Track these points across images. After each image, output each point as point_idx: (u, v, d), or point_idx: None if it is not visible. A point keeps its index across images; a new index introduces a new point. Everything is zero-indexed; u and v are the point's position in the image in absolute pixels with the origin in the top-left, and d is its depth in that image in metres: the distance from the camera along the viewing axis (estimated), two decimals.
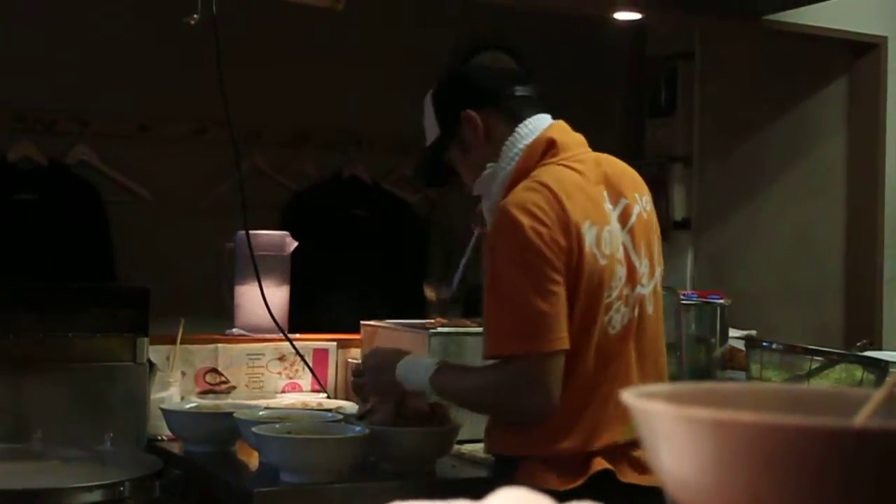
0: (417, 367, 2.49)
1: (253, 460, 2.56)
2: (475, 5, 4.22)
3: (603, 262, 2.42)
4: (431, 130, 2.63)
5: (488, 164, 2.51)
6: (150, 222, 4.48)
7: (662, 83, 5.06)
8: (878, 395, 0.98)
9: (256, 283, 3.17)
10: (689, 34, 4.87)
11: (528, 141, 2.52)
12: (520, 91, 2.61)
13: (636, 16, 4.10)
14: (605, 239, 2.44)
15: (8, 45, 4.32)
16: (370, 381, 2.68)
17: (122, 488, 1.95)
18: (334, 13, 3.30)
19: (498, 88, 2.59)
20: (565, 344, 2.32)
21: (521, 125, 2.53)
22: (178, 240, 4.29)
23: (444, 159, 2.63)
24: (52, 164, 4.43)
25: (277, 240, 3.43)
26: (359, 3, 3.32)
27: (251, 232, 3.19)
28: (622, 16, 4.11)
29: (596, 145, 3.16)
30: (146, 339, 2.96)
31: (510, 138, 2.50)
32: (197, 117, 4.41)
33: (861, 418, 0.96)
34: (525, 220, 2.31)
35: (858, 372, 2.77)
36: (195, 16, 2.66)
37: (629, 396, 0.93)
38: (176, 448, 2.82)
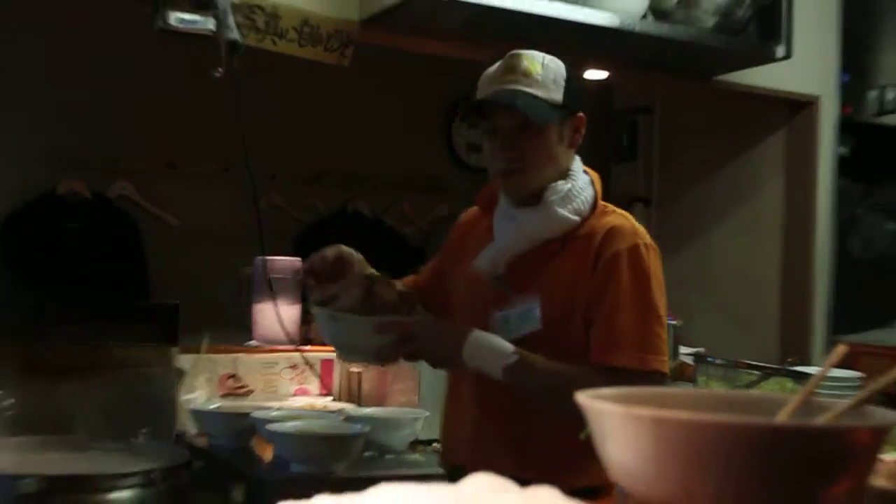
0: (490, 351, 2.05)
1: (267, 454, 2.57)
2: (468, 62, 4.23)
3: None
4: (554, 91, 2.15)
5: (569, 177, 2.22)
6: (180, 248, 4.51)
7: (626, 133, 5.10)
8: (797, 399, 1.02)
9: (272, 302, 3.21)
10: (649, 91, 4.91)
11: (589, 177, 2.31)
12: None
13: (604, 74, 4.13)
14: None
15: (57, 95, 4.35)
16: (425, 345, 2.11)
17: (153, 475, 1.97)
18: (341, 68, 3.35)
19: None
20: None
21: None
22: (204, 264, 4.30)
23: (543, 122, 2.13)
24: (95, 197, 4.45)
25: (290, 265, 3.45)
26: (363, 60, 3.36)
27: (267, 258, 3.24)
28: (591, 75, 4.13)
29: None
30: (176, 349, 2.98)
31: (579, 164, 2.28)
32: (222, 158, 4.43)
33: (780, 418, 1.00)
34: (658, 253, 2.19)
35: (789, 384, 2.81)
36: (220, 69, 2.67)
37: (582, 398, 0.97)
38: (201, 442, 2.81)
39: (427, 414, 2.88)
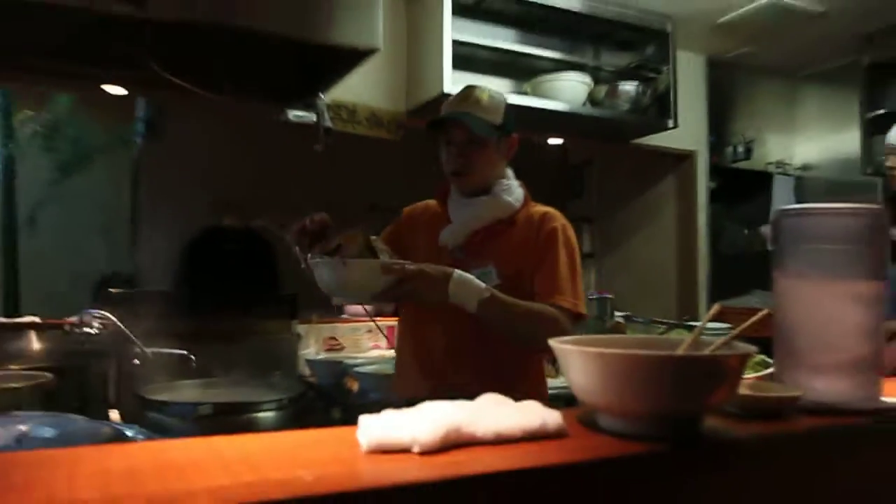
0: (470, 287, 1.69)
1: (354, 387, 2.57)
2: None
3: None
4: (495, 115, 1.94)
5: (507, 178, 2.00)
6: (297, 259, 4.50)
7: (576, 178, 5.09)
8: (689, 340, 1.02)
9: None
10: (590, 151, 4.90)
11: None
12: None
13: (560, 141, 4.13)
14: None
15: (222, 165, 4.39)
16: (420, 284, 1.65)
17: (284, 401, 1.97)
18: (395, 141, 3.37)
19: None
20: None
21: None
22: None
23: (485, 136, 1.91)
24: (245, 228, 4.47)
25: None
26: (409, 136, 3.38)
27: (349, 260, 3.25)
28: (553, 141, 4.14)
29: None
30: (296, 322, 3.01)
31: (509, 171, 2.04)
32: (324, 198, 4.44)
33: (679, 351, 0.99)
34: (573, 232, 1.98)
35: (685, 332, 2.78)
36: (319, 145, 2.70)
37: (553, 343, 0.96)
38: (312, 380, 2.84)
39: None
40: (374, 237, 1.74)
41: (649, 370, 0.87)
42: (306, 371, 2.95)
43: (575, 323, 1.84)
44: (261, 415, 1.92)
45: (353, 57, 2.37)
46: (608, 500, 0.84)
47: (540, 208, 1.99)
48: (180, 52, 2.40)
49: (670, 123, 3.69)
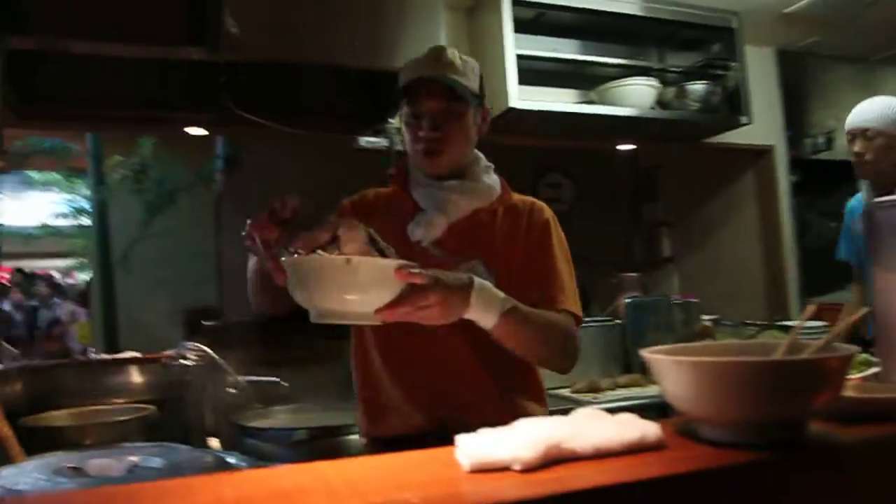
0: (492, 296, 1.34)
1: None
2: (540, 148, 4.22)
3: None
4: (472, 80, 1.62)
5: (482, 160, 1.70)
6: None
7: (648, 182, 5.01)
8: (786, 343, 0.99)
9: None
10: (662, 153, 4.82)
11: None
12: None
13: (632, 146, 4.08)
14: None
15: (296, 189, 4.47)
16: (439, 299, 1.23)
17: None
18: None
19: None
20: None
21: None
22: None
23: (466, 102, 1.59)
24: None
25: None
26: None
27: None
28: (624, 147, 4.10)
29: (614, 219, 3.09)
30: None
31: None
32: None
33: (776, 355, 0.97)
34: None
35: (777, 333, 2.70)
36: (392, 169, 2.67)
37: (645, 353, 0.95)
38: None
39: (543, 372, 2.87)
40: (371, 230, 1.33)
41: (747, 377, 0.85)
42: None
43: (578, 328, 1.61)
44: (353, 437, 1.93)
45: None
46: None
47: (521, 197, 1.71)
48: (253, 89, 2.50)
49: (744, 120, 3.60)
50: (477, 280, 1.33)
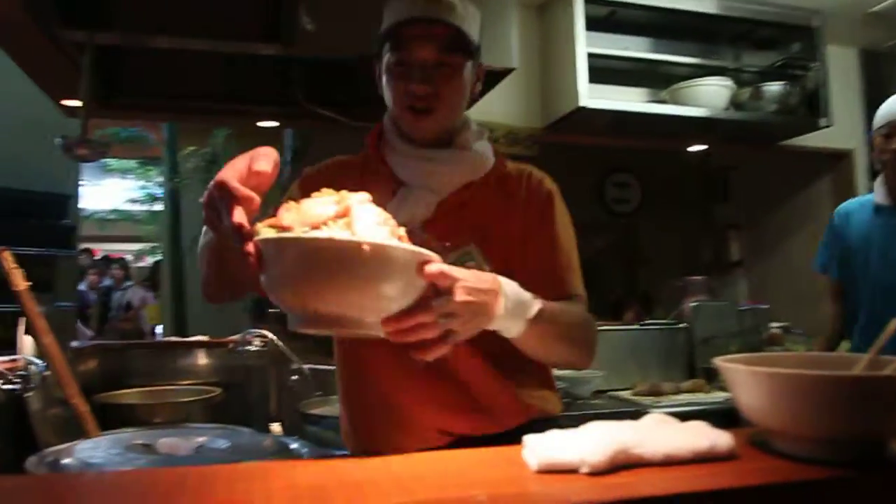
0: (519, 298, 1.08)
1: None
2: (612, 147, 4.18)
3: None
4: (473, 28, 1.32)
5: (470, 122, 1.40)
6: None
7: (720, 183, 4.91)
8: (866, 358, 0.96)
9: None
10: (735, 154, 4.71)
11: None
12: None
13: (704, 147, 4.00)
14: None
15: None
16: (469, 303, 0.97)
17: None
18: (533, 156, 3.37)
19: None
20: None
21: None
22: None
23: (462, 59, 1.31)
24: None
25: None
26: (546, 149, 3.37)
27: None
28: (695, 148, 4.02)
29: (681, 220, 3.00)
30: None
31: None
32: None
33: (857, 369, 0.94)
34: None
35: (849, 345, 2.61)
36: None
37: (719, 360, 0.93)
38: None
39: (604, 373, 2.85)
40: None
41: (826, 392, 0.82)
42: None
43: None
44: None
45: (489, 77, 2.40)
46: None
47: (516, 165, 1.45)
48: (323, 83, 2.54)
49: (823, 122, 3.49)
50: (502, 279, 1.07)
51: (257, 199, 0.90)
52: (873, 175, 2.77)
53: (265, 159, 0.92)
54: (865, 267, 2.43)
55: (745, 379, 0.88)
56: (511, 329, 1.09)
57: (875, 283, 2.39)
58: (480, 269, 1.21)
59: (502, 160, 1.43)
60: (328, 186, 1.20)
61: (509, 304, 1.06)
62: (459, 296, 0.95)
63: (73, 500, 0.73)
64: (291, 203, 0.90)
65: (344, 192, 0.92)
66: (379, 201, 1.20)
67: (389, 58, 1.32)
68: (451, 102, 1.34)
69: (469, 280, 0.99)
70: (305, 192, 1.17)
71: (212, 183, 0.92)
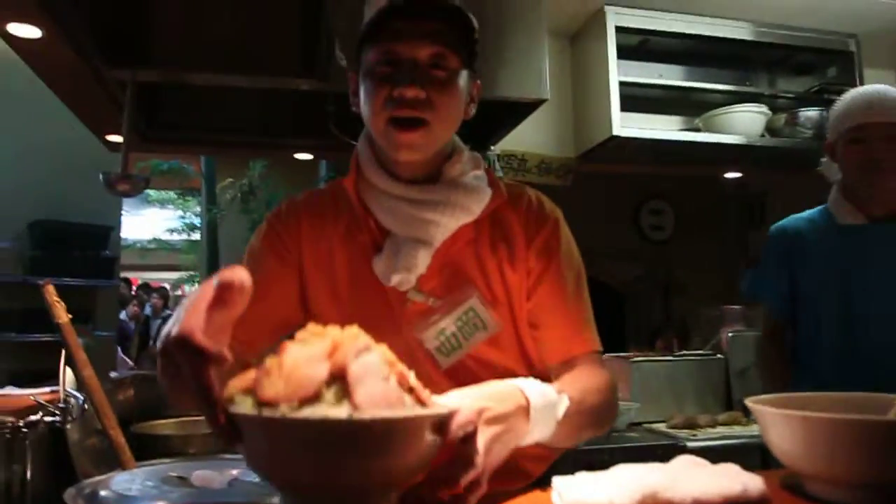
0: (547, 403, 0.93)
1: None
2: (645, 174, 4.16)
3: None
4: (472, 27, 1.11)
5: (463, 148, 1.22)
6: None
7: (757, 209, 4.85)
8: None
9: None
10: (772, 180, 4.66)
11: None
12: None
13: (739, 175, 3.96)
14: None
15: None
16: (499, 440, 0.84)
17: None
18: (566, 186, 3.37)
19: None
20: None
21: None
22: None
23: (459, 65, 1.12)
24: None
25: None
26: (580, 180, 3.37)
27: None
28: (730, 175, 3.98)
29: (717, 248, 2.89)
30: None
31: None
32: None
33: (891, 415, 0.92)
34: None
35: None
36: None
37: (749, 402, 0.92)
38: None
39: (638, 404, 2.82)
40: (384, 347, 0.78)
41: (862, 437, 0.81)
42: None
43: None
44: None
45: (521, 109, 2.42)
46: None
47: (511, 188, 1.25)
48: (357, 117, 2.59)
49: None
50: (524, 384, 0.92)
51: (229, 358, 0.69)
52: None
53: (232, 291, 0.70)
54: (833, 296, 1.99)
55: (776, 421, 0.87)
56: (538, 435, 0.93)
57: (853, 312, 1.95)
58: (484, 325, 1.16)
59: (499, 190, 1.22)
60: (308, 236, 1.18)
61: (537, 415, 0.91)
62: (485, 433, 0.82)
63: None
64: (272, 364, 0.72)
65: (335, 335, 0.74)
66: (360, 252, 1.16)
67: (370, 57, 1.11)
68: (446, 115, 1.11)
69: (491, 407, 0.84)
70: (272, 247, 1.17)
71: (169, 332, 0.70)
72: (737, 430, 2.79)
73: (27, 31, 1.93)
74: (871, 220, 2.01)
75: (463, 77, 1.14)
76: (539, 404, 0.91)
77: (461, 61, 1.13)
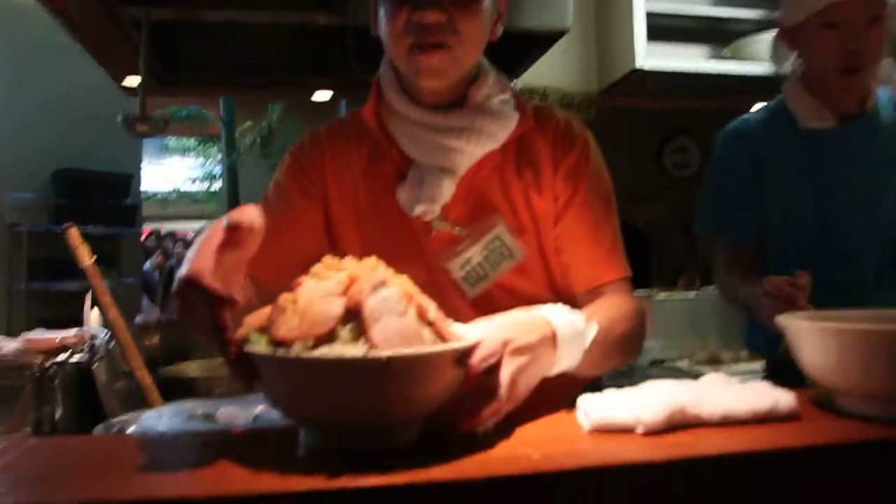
0: (574, 331, 0.91)
1: None
2: (670, 109, 4.07)
3: None
4: None
5: (489, 69, 1.17)
6: None
7: None
8: None
9: None
10: None
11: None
12: None
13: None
14: None
15: None
16: (528, 376, 0.83)
17: None
18: (588, 120, 3.31)
19: None
20: None
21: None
22: None
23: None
24: None
25: None
26: (602, 113, 3.30)
27: None
28: (758, 106, 3.86)
29: None
30: None
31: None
32: None
33: None
34: None
35: None
36: None
37: (782, 318, 0.89)
38: None
39: (661, 342, 2.81)
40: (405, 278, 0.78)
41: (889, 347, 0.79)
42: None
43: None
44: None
45: (543, 40, 2.37)
46: (851, 487, 0.78)
47: (538, 109, 1.23)
48: (378, 52, 2.54)
49: None
50: (551, 312, 0.91)
51: (239, 301, 0.70)
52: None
53: (241, 231, 0.70)
54: (807, 217, 1.65)
55: (810, 336, 0.85)
56: (565, 365, 0.92)
57: (829, 234, 1.63)
58: (511, 254, 1.15)
59: (526, 114, 1.19)
60: (325, 170, 1.18)
61: (564, 344, 0.89)
62: (510, 365, 0.80)
63: (131, 457, 0.76)
64: (286, 301, 0.72)
65: (351, 269, 0.74)
66: (384, 183, 1.15)
67: None
68: (470, 38, 1.07)
69: (517, 338, 0.82)
70: (296, 181, 1.17)
71: (181, 277, 0.71)
72: (761, 364, 2.77)
73: None
74: (841, 119, 1.65)
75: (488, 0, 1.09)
76: (566, 334, 0.89)
77: None
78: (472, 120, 1.13)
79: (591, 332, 0.95)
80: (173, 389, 1.91)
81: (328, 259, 0.77)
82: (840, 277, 1.55)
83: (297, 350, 0.68)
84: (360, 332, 0.69)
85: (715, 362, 2.80)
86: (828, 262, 1.58)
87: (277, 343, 0.69)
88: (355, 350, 0.68)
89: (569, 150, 1.19)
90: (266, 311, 0.73)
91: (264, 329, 0.71)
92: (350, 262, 0.75)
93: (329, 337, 0.69)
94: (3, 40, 4.91)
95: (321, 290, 0.72)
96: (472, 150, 1.13)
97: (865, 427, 0.81)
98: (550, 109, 1.24)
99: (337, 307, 0.70)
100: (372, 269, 0.74)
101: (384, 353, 0.67)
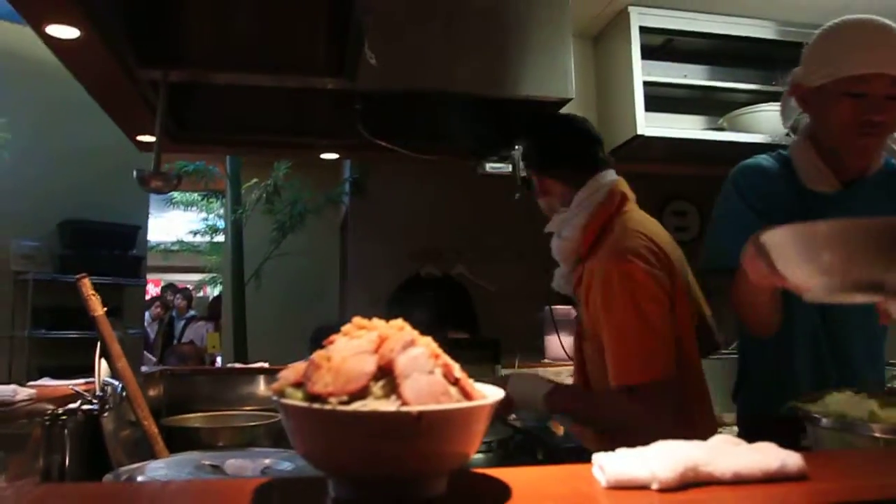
0: (527, 381, 1.65)
1: (559, 430, 2.55)
2: (669, 174, 4.13)
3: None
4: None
5: (561, 209, 1.81)
6: (497, 304, 4.51)
7: None
8: None
9: (556, 335, 3.19)
10: None
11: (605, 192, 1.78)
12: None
13: None
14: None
15: (419, 218, 4.58)
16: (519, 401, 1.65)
17: (493, 444, 2.00)
18: None
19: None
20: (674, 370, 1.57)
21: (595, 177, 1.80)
22: (512, 313, 4.30)
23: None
24: (444, 276, 4.62)
25: (566, 311, 3.29)
26: None
27: (552, 307, 3.23)
28: None
29: None
30: (499, 365, 3.05)
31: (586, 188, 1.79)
32: (517, 247, 4.40)
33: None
34: (641, 265, 1.58)
35: None
36: (517, 195, 2.62)
37: (763, 236, 0.87)
38: (519, 423, 2.84)
39: None
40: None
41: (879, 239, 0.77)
42: (511, 415, 2.98)
43: (649, 393, 1.52)
44: (474, 456, 1.93)
45: (547, 108, 2.43)
46: None
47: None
48: (384, 117, 2.60)
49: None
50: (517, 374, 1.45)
51: None
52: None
53: None
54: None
55: (793, 240, 0.82)
56: (530, 403, 1.57)
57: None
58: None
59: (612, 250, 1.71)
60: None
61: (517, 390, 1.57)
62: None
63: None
64: (321, 358, 0.75)
65: (381, 328, 0.78)
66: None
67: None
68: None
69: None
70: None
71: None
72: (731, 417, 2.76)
73: (65, 31, 1.96)
74: (844, 185, 1.68)
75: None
76: (518, 386, 1.48)
77: None
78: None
79: (549, 386, 1.55)
80: (177, 440, 1.90)
81: (357, 320, 0.80)
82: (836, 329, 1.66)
83: (332, 404, 0.71)
84: (392, 388, 0.72)
85: (718, 424, 2.78)
86: (827, 314, 1.66)
87: (313, 397, 0.72)
88: (388, 405, 0.70)
89: (594, 282, 1.70)
90: (301, 366, 0.76)
91: (299, 384, 0.74)
92: (379, 322, 0.79)
93: (362, 393, 0.71)
94: (25, 94, 5.03)
95: (353, 348, 0.75)
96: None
97: (875, 487, 0.83)
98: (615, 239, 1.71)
99: (370, 364, 0.73)
100: (400, 328, 0.78)
101: (416, 407, 0.70)
